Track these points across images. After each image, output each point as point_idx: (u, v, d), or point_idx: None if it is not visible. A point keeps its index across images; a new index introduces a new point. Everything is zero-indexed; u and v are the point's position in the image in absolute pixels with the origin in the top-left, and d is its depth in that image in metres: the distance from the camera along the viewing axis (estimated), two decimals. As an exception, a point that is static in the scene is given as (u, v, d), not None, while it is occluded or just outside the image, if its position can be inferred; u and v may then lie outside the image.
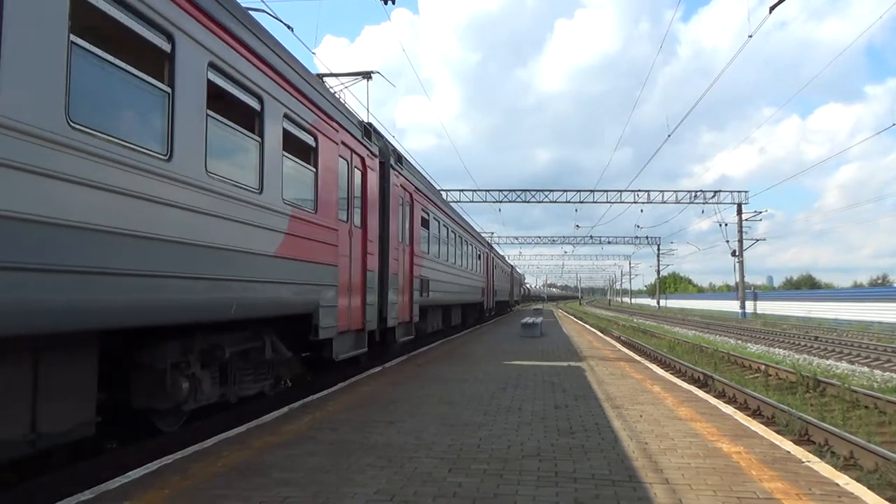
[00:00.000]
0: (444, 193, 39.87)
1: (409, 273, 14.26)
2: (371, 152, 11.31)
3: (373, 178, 11.41)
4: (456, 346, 18.20)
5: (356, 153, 10.41)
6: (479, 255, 29.35)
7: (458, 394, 8.92)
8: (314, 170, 8.51)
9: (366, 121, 11.69)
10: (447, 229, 20.17)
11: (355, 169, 10.44)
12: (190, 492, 4.43)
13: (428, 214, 16.67)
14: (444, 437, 6.21)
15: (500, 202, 54.53)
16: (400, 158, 13.87)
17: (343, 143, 9.64)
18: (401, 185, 13.62)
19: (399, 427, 6.65)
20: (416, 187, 15.11)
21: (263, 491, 4.44)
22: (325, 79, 12.37)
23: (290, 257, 7.60)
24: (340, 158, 9.60)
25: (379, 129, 12.79)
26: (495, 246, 49.79)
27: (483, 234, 40.13)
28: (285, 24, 8.87)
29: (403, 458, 5.35)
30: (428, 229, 16.70)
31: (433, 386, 9.74)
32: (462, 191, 53.23)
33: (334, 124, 9.23)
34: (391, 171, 12.72)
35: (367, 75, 13.85)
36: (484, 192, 54.02)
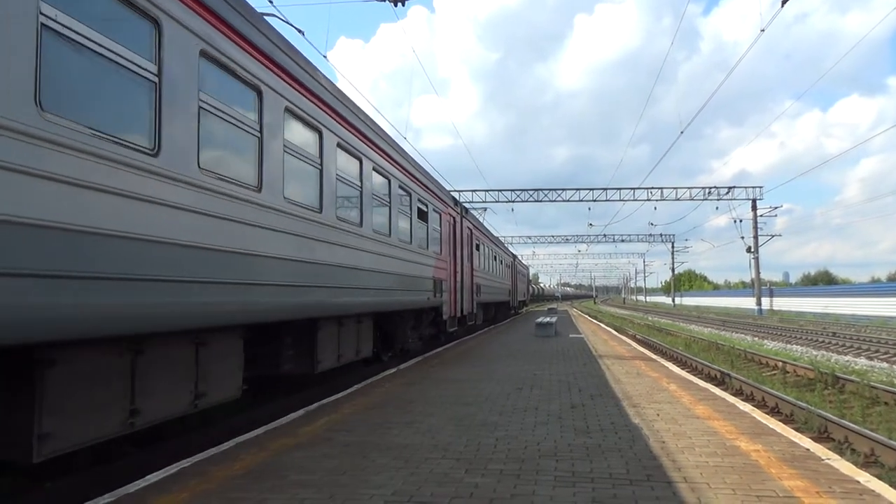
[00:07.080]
0: (457, 194, 39.72)
1: None
2: None
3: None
4: (471, 346, 18.20)
5: None
6: (428, 213, 14.87)
7: (474, 394, 8.92)
8: None
9: None
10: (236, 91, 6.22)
11: None
12: (208, 494, 4.46)
13: None
14: (460, 437, 6.21)
15: (514, 202, 54.40)
16: None
17: None
18: None
19: (415, 428, 6.65)
20: None
21: (281, 493, 4.47)
22: None
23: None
24: None
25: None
26: (511, 246, 49.64)
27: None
28: (296, 28, 8.84)
29: (420, 459, 5.36)
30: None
31: (448, 386, 9.74)
32: (475, 191, 53.22)
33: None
34: None
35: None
36: (497, 192, 53.97)
